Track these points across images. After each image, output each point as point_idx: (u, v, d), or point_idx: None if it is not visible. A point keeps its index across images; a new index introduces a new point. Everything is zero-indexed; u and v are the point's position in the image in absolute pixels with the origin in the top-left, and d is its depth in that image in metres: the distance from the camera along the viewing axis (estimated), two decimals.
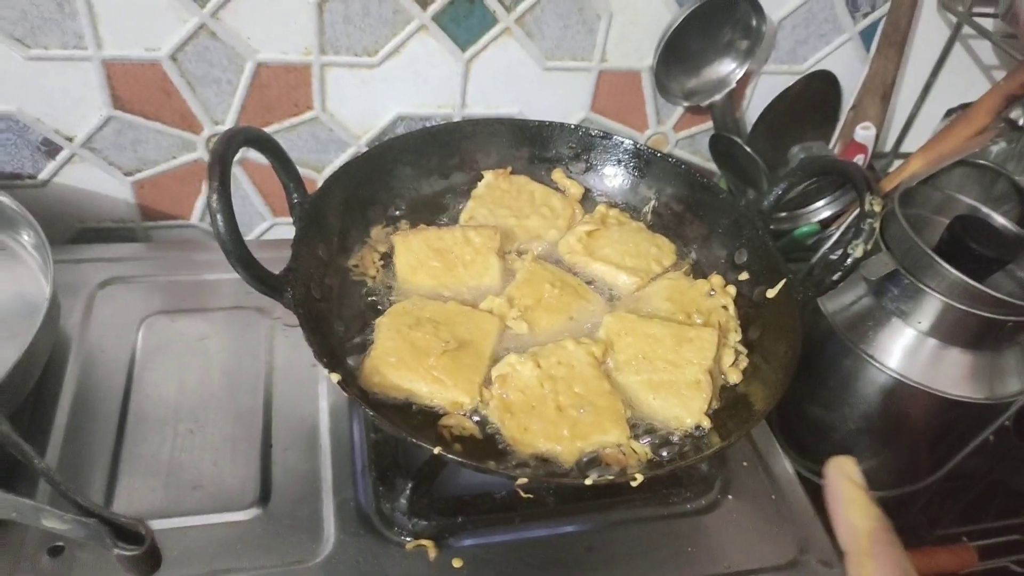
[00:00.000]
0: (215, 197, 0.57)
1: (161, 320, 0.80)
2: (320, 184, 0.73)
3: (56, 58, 0.77)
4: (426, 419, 0.63)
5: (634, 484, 0.55)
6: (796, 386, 0.65)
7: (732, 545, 0.69)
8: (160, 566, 0.49)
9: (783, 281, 0.71)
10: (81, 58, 0.77)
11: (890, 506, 0.79)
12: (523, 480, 0.54)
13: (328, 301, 0.69)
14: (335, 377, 0.59)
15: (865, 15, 0.94)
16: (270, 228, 0.96)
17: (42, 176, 0.85)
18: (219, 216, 0.57)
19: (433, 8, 0.82)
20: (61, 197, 0.87)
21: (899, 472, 0.82)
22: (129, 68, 0.79)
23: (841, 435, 0.84)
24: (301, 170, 0.71)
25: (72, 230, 0.90)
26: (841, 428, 0.84)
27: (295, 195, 0.69)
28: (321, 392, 0.76)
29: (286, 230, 0.95)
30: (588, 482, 0.54)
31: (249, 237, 0.96)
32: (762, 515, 0.72)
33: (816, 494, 0.74)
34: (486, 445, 0.62)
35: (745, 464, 0.75)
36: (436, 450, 0.54)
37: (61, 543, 0.61)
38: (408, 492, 0.65)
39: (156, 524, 0.61)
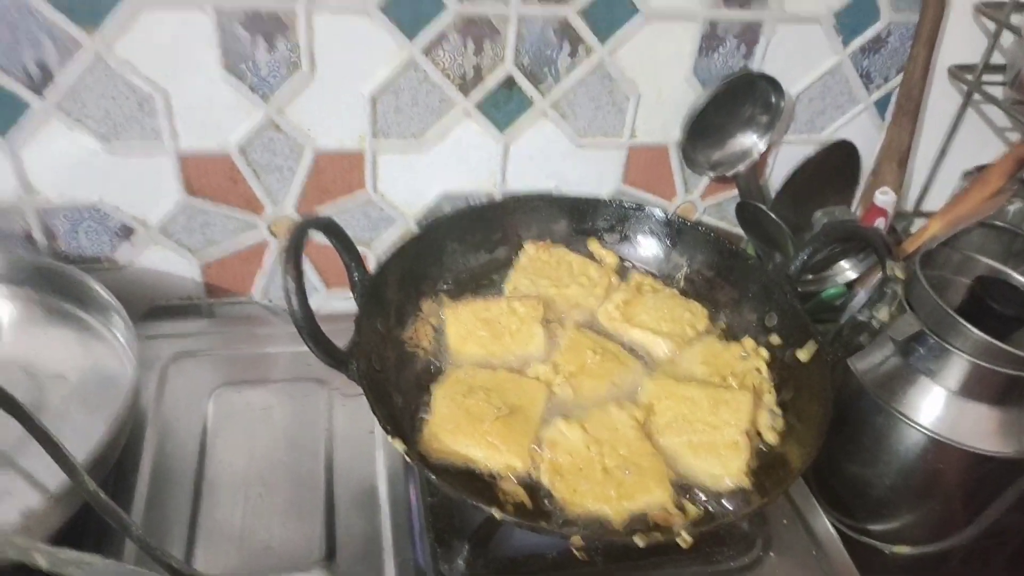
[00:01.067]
0: (290, 280, 0.63)
1: (229, 392, 0.86)
2: (378, 263, 0.79)
3: (135, 152, 0.85)
4: (483, 483, 0.68)
5: (684, 545, 0.59)
6: (831, 444, 0.69)
7: None
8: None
9: (813, 343, 0.75)
10: (158, 152, 0.85)
11: (929, 562, 0.81)
12: (577, 539, 0.58)
13: (386, 372, 0.75)
14: (399, 445, 0.63)
15: (878, 87, 1.00)
16: (322, 299, 1.03)
17: (120, 260, 0.92)
18: (293, 297, 0.63)
19: (475, 96, 0.89)
20: (135, 278, 0.94)
21: (937, 528, 0.84)
22: (200, 159, 0.87)
23: (877, 492, 0.87)
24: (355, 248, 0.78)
25: (144, 308, 0.97)
26: (877, 485, 0.86)
27: (356, 274, 0.75)
28: (378, 458, 0.81)
29: (338, 303, 1.01)
30: (640, 543, 0.58)
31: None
32: (804, 572, 0.74)
33: (855, 550, 0.77)
34: (538, 507, 0.66)
35: (785, 522, 0.78)
36: (497, 514, 0.58)
37: None
38: (465, 554, 0.69)
39: None
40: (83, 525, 0.68)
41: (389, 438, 0.64)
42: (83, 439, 0.68)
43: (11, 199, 0.85)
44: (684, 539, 0.59)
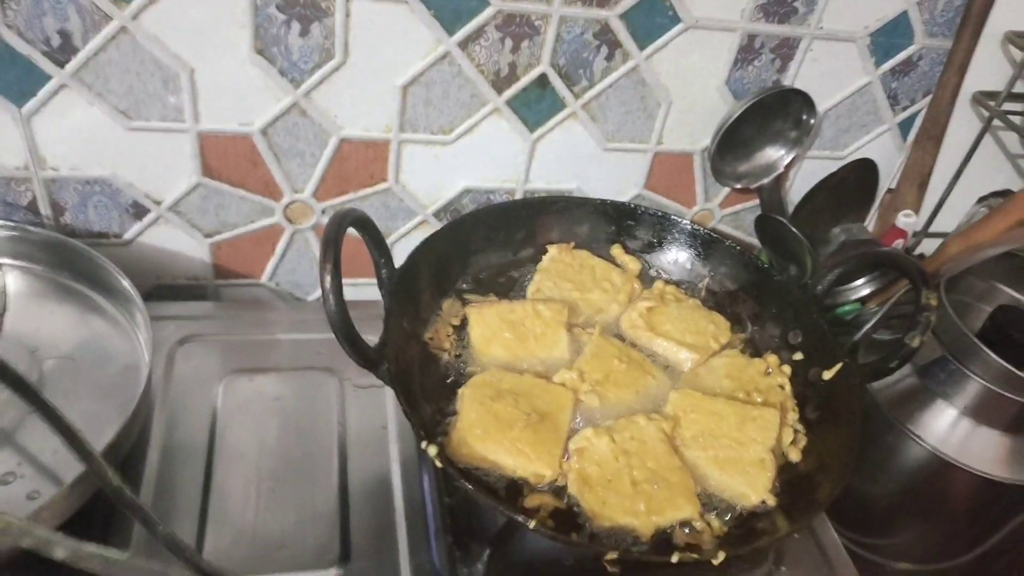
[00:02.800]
0: (328, 278, 0.61)
1: (239, 379, 0.84)
2: (407, 259, 0.78)
3: (155, 129, 0.82)
4: (511, 490, 0.67)
5: (716, 563, 0.59)
6: None
7: None
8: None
9: (840, 365, 0.75)
10: (178, 130, 0.82)
11: None
12: (612, 556, 0.58)
13: (412, 373, 0.73)
14: (433, 450, 0.62)
15: (904, 108, 1.00)
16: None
17: (126, 236, 0.89)
18: (331, 296, 0.61)
19: (508, 93, 0.87)
20: (141, 255, 0.91)
21: (938, 548, 0.86)
22: (221, 140, 0.84)
23: (882, 508, 0.88)
24: None
25: (147, 286, 0.94)
26: (882, 501, 0.88)
27: (384, 271, 0.74)
28: (392, 455, 0.80)
29: (350, 289, 0.99)
30: (675, 560, 0.58)
31: (310, 298, 1.00)
32: None
33: (857, 565, 0.78)
34: (566, 517, 0.65)
35: (796, 536, 0.79)
36: (532, 525, 0.58)
37: None
38: (486, 558, 0.68)
39: None
40: (90, 511, 0.66)
41: (424, 445, 0.63)
42: (94, 425, 0.66)
43: (20, 170, 0.82)
44: (717, 558, 0.59)
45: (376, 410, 0.84)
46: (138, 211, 0.88)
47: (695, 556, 0.59)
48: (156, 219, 0.89)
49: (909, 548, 0.87)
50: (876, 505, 0.87)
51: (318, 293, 1.00)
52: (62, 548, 0.55)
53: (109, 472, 0.60)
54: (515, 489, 0.67)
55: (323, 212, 0.93)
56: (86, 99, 0.78)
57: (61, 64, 0.75)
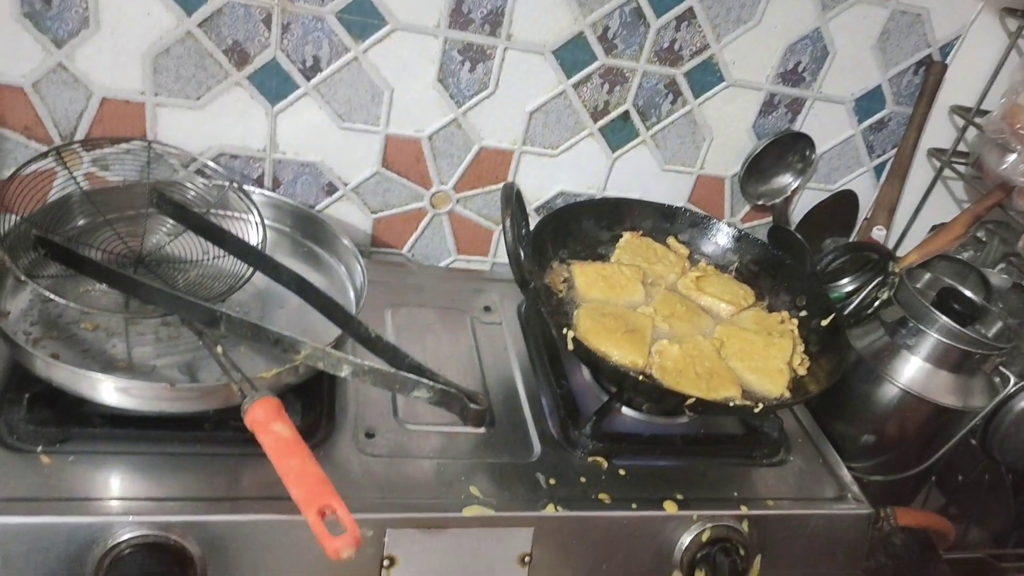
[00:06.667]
0: (508, 219, 0.94)
1: (400, 310, 1.15)
2: (534, 226, 1.11)
3: (357, 130, 1.16)
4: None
5: (756, 411, 0.91)
6: (827, 407, 1.01)
7: (794, 486, 1.03)
8: (487, 420, 0.84)
9: (833, 315, 1.09)
10: (373, 132, 1.17)
11: (896, 487, 1.15)
12: (692, 401, 0.90)
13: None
14: (571, 334, 0.94)
15: (878, 155, 1.37)
16: (453, 261, 1.33)
17: (317, 207, 1.22)
18: (508, 232, 0.94)
19: (600, 123, 1.23)
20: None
21: (901, 462, 1.17)
22: (399, 141, 1.18)
23: (863, 437, 1.19)
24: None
25: None
26: (863, 432, 1.19)
27: (523, 231, 1.07)
28: (513, 365, 1.11)
29: (463, 264, 1.33)
30: (732, 404, 0.90)
31: (443, 262, 1.33)
32: (813, 471, 1.06)
33: None
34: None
35: (800, 440, 1.10)
36: (640, 377, 0.90)
37: (372, 432, 0.94)
38: (590, 426, 0.99)
39: (432, 428, 0.96)
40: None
41: (564, 331, 0.95)
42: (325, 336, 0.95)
43: (259, 152, 1.15)
44: (758, 408, 0.91)
45: (498, 338, 1.15)
46: (330, 189, 1.21)
47: (746, 402, 0.92)
48: (341, 196, 1.22)
49: (881, 466, 1.18)
50: (859, 435, 1.19)
51: (444, 262, 1.33)
52: (347, 365, 0.87)
53: (367, 326, 0.92)
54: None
55: (457, 201, 1.27)
56: (318, 104, 1.12)
57: (308, 78, 1.10)
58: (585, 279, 1.11)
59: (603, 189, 1.30)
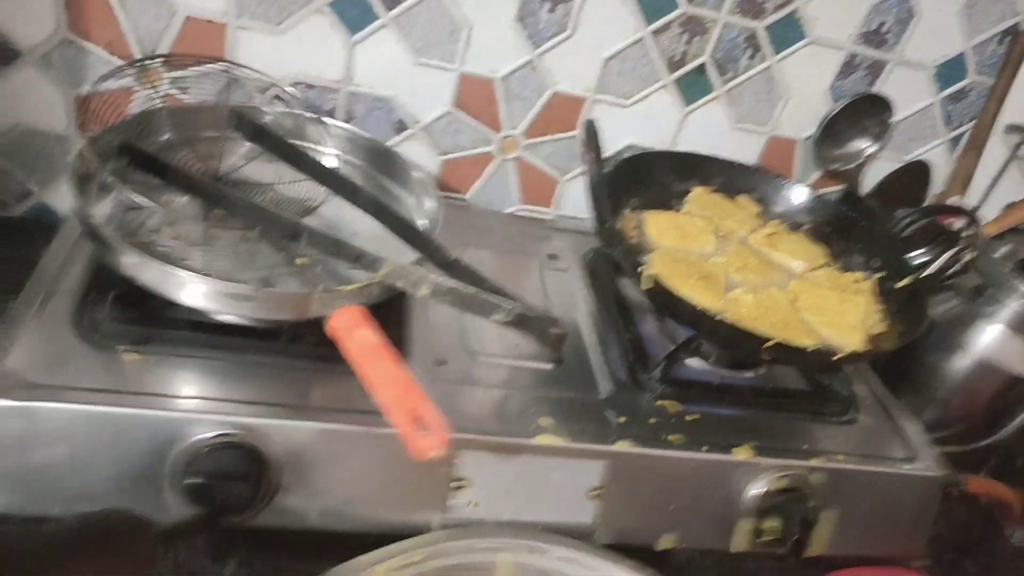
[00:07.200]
0: (591, 156, 0.93)
1: (468, 249, 1.14)
2: (611, 168, 1.10)
3: (433, 66, 1.15)
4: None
5: (834, 359, 0.89)
6: (895, 374, 1.00)
7: (865, 444, 1.00)
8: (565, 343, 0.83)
9: (911, 276, 1.06)
10: (449, 69, 1.16)
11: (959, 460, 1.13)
12: (771, 344, 0.88)
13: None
14: (648, 276, 0.93)
15: (955, 127, 1.34)
16: (515, 210, 1.32)
17: (387, 144, 1.22)
18: (591, 168, 0.93)
19: (676, 75, 1.21)
20: None
21: (974, 432, 1.14)
22: (473, 81, 1.17)
23: (925, 413, 1.17)
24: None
25: None
26: (926, 407, 1.16)
27: (596, 175, 1.05)
28: (580, 309, 1.09)
29: (525, 212, 1.32)
30: (810, 350, 0.88)
31: (506, 211, 1.32)
32: (882, 430, 1.04)
33: None
34: None
35: (869, 402, 1.08)
36: (721, 318, 0.88)
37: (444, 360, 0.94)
38: (660, 369, 0.97)
39: (501, 360, 0.95)
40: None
41: (639, 269, 0.93)
42: None
43: (334, 83, 1.15)
44: (838, 354, 0.90)
45: (565, 284, 1.14)
46: (400, 127, 1.20)
47: (826, 348, 0.90)
48: (411, 135, 1.21)
49: (948, 437, 1.15)
50: (927, 404, 1.16)
51: (508, 210, 1.32)
52: (427, 285, 0.86)
53: (445, 249, 0.91)
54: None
55: (525, 147, 1.25)
56: (395, 37, 1.12)
57: (389, 9, 1.09)
58: (657, 227, 1.09)
59: (671, 145, 1.29)
